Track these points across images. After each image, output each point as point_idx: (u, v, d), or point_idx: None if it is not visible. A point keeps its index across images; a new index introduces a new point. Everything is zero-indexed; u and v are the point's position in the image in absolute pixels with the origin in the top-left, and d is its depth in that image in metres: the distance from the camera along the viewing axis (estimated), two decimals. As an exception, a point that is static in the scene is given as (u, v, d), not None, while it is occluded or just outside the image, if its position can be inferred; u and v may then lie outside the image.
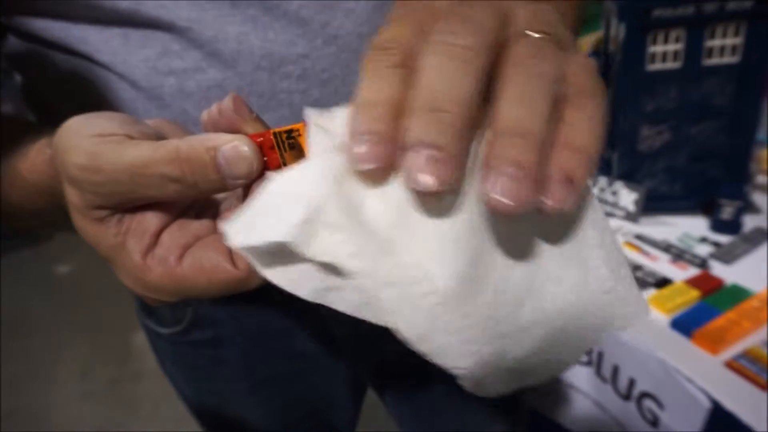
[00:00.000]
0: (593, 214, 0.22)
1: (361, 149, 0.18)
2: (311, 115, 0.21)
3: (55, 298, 2.47)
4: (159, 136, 0.26)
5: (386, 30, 0.20)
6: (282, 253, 0.19)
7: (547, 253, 0.21)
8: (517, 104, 0.18)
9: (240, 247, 0.20)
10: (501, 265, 0.21)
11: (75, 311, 2.35)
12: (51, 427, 1.76)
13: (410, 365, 0.63)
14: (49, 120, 0.45)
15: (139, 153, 0.23)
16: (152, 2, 0.35)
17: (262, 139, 0.24)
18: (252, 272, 0.24)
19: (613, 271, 0.22)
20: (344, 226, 0.18)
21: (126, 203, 0.24)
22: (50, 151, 0.27)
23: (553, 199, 0.18)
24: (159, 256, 0.25)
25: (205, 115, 0.26)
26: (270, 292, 0.52)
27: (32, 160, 0.31)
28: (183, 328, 0.52)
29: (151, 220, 0.25)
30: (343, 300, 0.20)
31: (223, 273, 0.24)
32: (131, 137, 0.24)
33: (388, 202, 0.19)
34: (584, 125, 0.19)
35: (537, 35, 0.20)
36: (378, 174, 0.18)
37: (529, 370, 0.22)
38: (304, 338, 0.54)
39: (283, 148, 0.24)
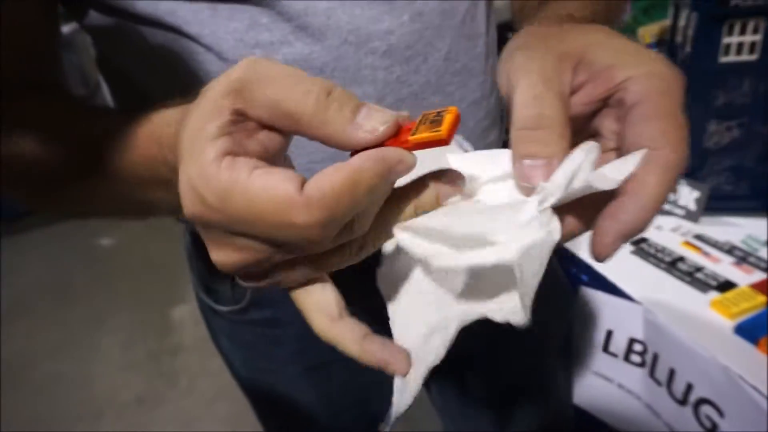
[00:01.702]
0: None
1: None
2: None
3: (98, 270, 2.54)
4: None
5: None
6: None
7: None
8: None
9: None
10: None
11: (117, 284, 2.42)
12: (93, 393, 1.82)
13: (459, 357, 0.62)
14: (128, 93, 0.45)
15: (276, 200, 0.21)
16: None
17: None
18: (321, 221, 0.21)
19: None
20: None
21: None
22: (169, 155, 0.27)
23: None
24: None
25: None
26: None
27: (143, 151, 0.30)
28: (242, 307, 0.52)
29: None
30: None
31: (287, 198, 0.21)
32: (257, 160, 0.22)
33: None
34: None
35: None
36: None
37: None
38: (362, 322, 0.54)
39: (422, 122, 0.23)
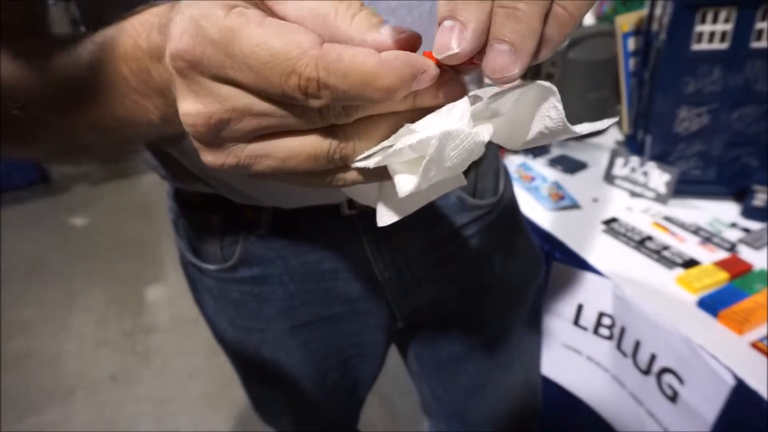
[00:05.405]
0: None
1: None
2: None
3: (71, 249, 2.50)
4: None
5: None
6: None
7: None
8: None
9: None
10: None
11: (90, 263, 2.38)
12: (65, 371, 1.80)
13: (441, 316, 0.64)
14: None
15: (291, 43, 0.20)
16: None
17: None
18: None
19: None
20: None
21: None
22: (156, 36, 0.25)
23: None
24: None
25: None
26: (316, 233, 0.52)
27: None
28: (231, 265, 0.53)
29: None
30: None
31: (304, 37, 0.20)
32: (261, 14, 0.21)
33: None
34: None
35: None
36: None
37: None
38: (348, 281, 0.55)
39: None
